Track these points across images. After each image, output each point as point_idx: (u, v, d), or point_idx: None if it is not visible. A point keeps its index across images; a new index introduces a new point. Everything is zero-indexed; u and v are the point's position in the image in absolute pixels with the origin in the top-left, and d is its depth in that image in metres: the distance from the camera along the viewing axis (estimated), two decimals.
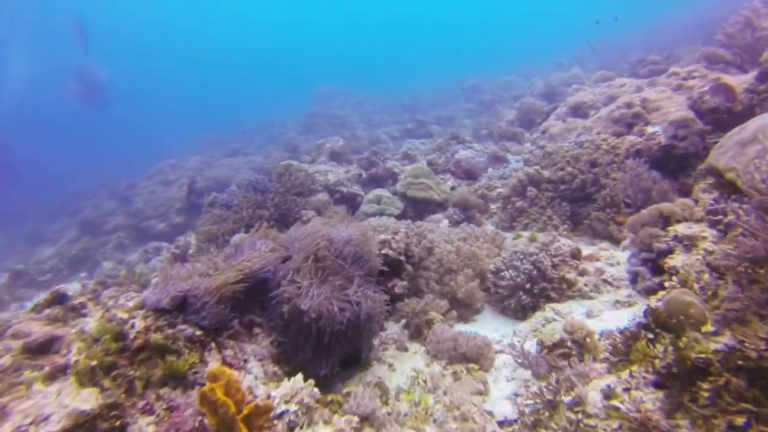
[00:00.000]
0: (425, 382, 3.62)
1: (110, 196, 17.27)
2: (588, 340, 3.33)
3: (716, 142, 5.99)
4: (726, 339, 2.26)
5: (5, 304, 10.55)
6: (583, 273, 4.83)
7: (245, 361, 3.34)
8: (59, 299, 3.69)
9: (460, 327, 4.74)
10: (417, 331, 4.44)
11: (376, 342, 4.41)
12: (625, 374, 2.68)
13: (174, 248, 10.87)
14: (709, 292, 2.77)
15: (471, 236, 5.78)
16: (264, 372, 3.35)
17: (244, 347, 3.42)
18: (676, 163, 6.19)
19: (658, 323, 2.78)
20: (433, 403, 3.40)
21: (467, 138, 12.25)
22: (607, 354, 2.94)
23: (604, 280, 4.69)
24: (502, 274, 4.79)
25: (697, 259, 3.41)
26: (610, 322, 3.96)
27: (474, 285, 4.91)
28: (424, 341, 4.28)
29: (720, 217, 3.61)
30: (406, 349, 4.21)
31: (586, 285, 4.68)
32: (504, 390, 3.62)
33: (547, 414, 2.78)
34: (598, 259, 5.07)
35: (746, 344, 2.07)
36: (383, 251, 4.76)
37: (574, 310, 4.46)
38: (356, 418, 2.98)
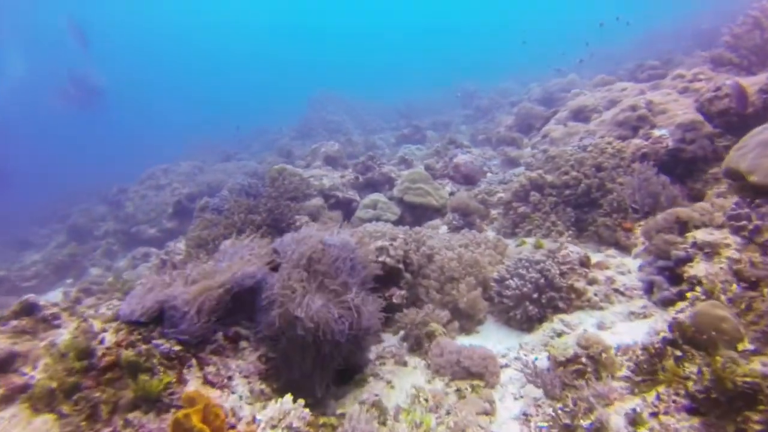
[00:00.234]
0: (426, 400, 3.32)
1: (101, 201, 16.89)
2: (604, 355, 3.05)
3: (726, 146, 5.80)
4: None
5: None
6: (592, 282, 4.56)
7: (229, 378, 3.03)
8: (28, 310, 3.38)
9: (462, 339, 4.45)
10: (417, 344, 4.15)
11: (372, 355, 4.12)
12: (651, 396, 2.40)
13: (163, 254, 10.56)
14: (742, 305, 2.51)
15: (473, 242, 5.51)
16: (250, 390, 3.05)
17: (229, 363, 3.12)
18: (684, 167, 5.96)
19: (686, 339, 2.51)
20: (436, 425, 3.10)
21: (465, 143, 12.04)
22: (629, 372, 2.67)
23: (616, 290, 4.41)
24: (507, 282, 4.51)
25: (721, 268, 3.15)
26: (625, 335, 3.69)
27: (477, 294, 4.63)
28: (425, 355, 3.99)
29: (744, 222, 3.36)
30: (405, 364, 3.91)
31: (596, 295, 4.41)
32: (512, 409, 3.33)
33: None
34: (607, 267, 4.80)
35: None
36: (380, 258, 4.48)
37: (583, 322, 4.19)
38: None
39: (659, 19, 23.36)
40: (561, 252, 4.74)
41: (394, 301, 4.45)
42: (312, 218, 8.04)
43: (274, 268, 3.73)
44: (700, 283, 3.15)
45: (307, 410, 2.75)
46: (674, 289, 3.62)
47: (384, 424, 3.08)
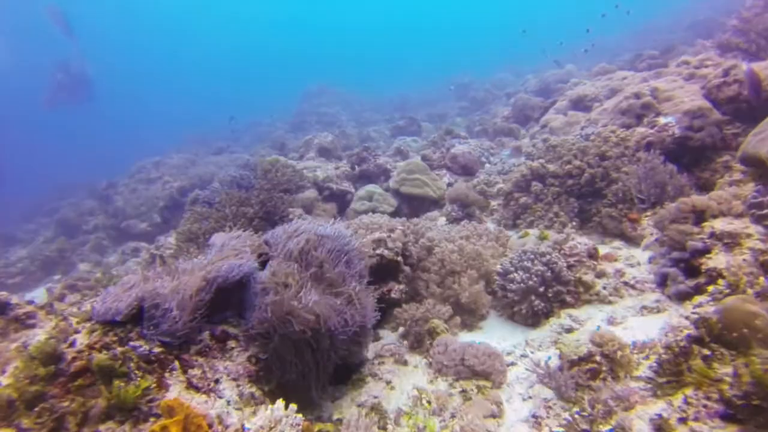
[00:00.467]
0: (429, 402, 3.10)
1: (90, 195, 16.49)
2: (620, 353, 2.84)
3: (736, 133, 5.60)
4: None
5: None
6: (601, 275, 4.35)
7: (216, 381, 2.79)
8: None
9: (465, 335, 4.24)
10: (417, 342, 3.92)
11: (370, 354, 3.90)
12: (677, 400, 2.19)
13: (153, 249, 10.28)
14: None
15: (474, 234, 5.28)
16: (239, 394, 2.80)
17: (216, 365, 2.87)
18: (691, 155, 5.75)
19: (713, 337, 2.30)
20: (440, 429, 2.89)
21: (462, 133, 11.80)
22: (650, 373, 2.45)
23: (625, 283, 4.20)
24: (512, 276, 4.29)
25: (745, 260, 2.94)
26: (637, 330, 3.48)
27: (479, 288, 4.41)
28: (426, 353, 3.77)
29: (766, 211, 3.15)
30: (405, 363, 3.69)
31: (604, 288, 4.20)
32: (520, 411, 3.12)
33: None
34: (616, 260, 4.59)
35: None
36: (378, 251, 4.25)
37: (593, 317, 3.98)
38: None
39: (653, 12, 23.13)
40: (567, 243, 4.52)
41: (393, 295, 4.22)
42: (306, 211, 7.79)
43: (265, 261, 3.50)
44: (721, 275, 2.94)
45: (300, 416, 2.51)
46: (690, 282, 3.41)
47: (384, 429, 2.86)
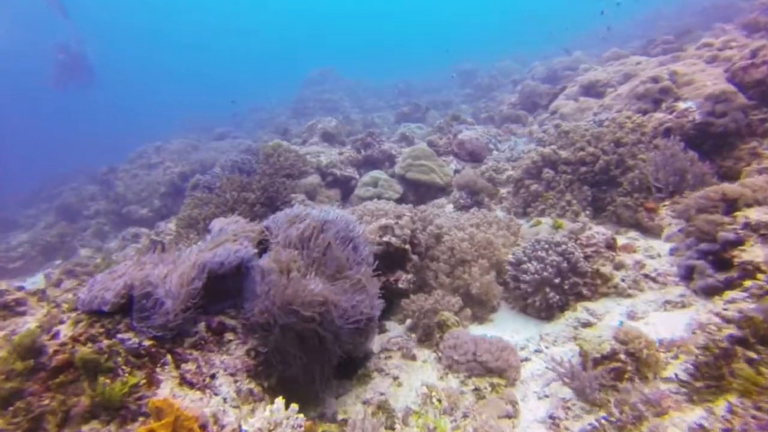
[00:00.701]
0: (440, 401, 2.90)
1: (91, 181, 16.31)
2: (646, 352, 2.63)
3: (763, 119, 5.32)
4: None
5: None
6: (619, 266, 4.12)
7: (212, 377, 2.59)
8: None
9: (475, 328, 4.04)
10: (426, 335, 3.72)
11: (375, 347, 3.71)
12: (719, 407, 1.98)
13: (153, 235, 10.11)
14: None
15: (484, 222, 5.06)
16: (236, 391, 2.61)
17: (212, 359, 2.67)
18: (713, 142, 5.49)
19: (759, 338, 2.08)
20: (451, 430, 2.69)
21: (469, 119, 11.51)
22: (686, 376, 2.24)
23: (646, 275, 3.97)
24: (525, 266, 4.07)
25: None
26: (660, 326, 3.26)
27: (491, 278, 4.20)
28: (435, 347, 3.57)
29: None
30: (413, 357, 3.49)
31: (623, 280, 3.98)
32: (536, 411, 2.92)
33: None
34: (634, 251, 4.36)
35: None
36: (384, 238, 4.03)
37: (611, 310, 3.77)
38: None
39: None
40: (584, 233, 4.30)
41: (400, 285, 4.01)
42: (309, 197, 7.57)
43: (266, 248, 3.29)
44: (759, 269, 2.71)
45: (302, 416, 2.32)
46: (720, 276, 3.18)
47: (392, 429, 2.67)
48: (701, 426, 1.90)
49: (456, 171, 8.15)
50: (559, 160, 6.25)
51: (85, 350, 2.07)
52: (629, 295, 3.89)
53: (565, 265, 3.96)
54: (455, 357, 3.25)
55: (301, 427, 2.25)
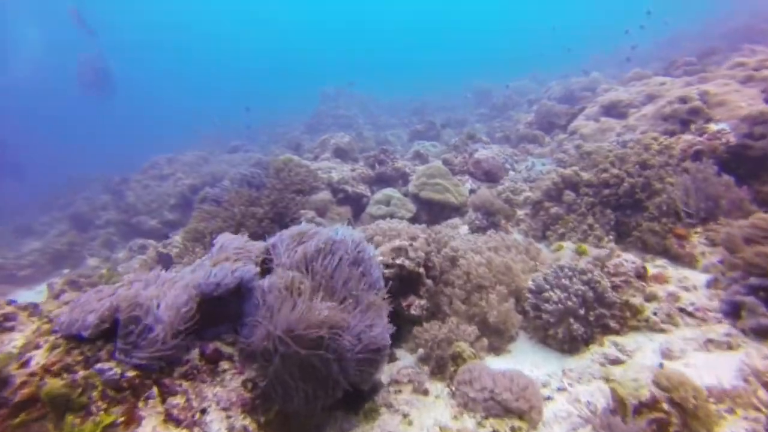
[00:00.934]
0: None
1: (104, 190, 16.37)
2: (694, 402, 2.31)
3: None
4: None
5: None
6: (650, 298, 3.80)
7: (203, 411, 2.33)
8: None
9: (491, 360, 3.73)
10: (439, 367, 3.43)
11: (384, 378, 3.42)
12: None
13: (161, 247, 9.96)
14: None
15: (502, 245, 4.78)
16: (229, 428, 2.35)
17: (203, 391, 2.42)
18: (750, 166, 5.17)
19: None
20: None
21: (485, 138, 11.28)
22: None
23: (681, 309, 3.64)
24: (547, 294, 3.77)
25: None
26: (703, 369, 2.93)
27: (509, 306, 3.90)
28: (449, 381, 3.27)
29: None
30: (425, 392, 3.19)
31: (655, 314, 3.65)
32: None
33: None
34: (667, 281, 4.03)
35: None
36: (398, 261, 3.77)
37: (642, 346, 3.44)
38: None
39: (683, 22, 22.34)
40: (612, 260, 3.99)
41: (413, 312, 3.74)
42: (319, 213, 7.36)
43: (270, 268, 3.05)
44: None
45: None
46: None
47: None
48: None
49: (471, 191, 7.90)
50: (581, 181, 5.96)
51: (54, 383, 1.83)
52: (662, 330, 3.56)
53: (591, 294, 3.66)
54: (471, 394, 2.94)
55: None
